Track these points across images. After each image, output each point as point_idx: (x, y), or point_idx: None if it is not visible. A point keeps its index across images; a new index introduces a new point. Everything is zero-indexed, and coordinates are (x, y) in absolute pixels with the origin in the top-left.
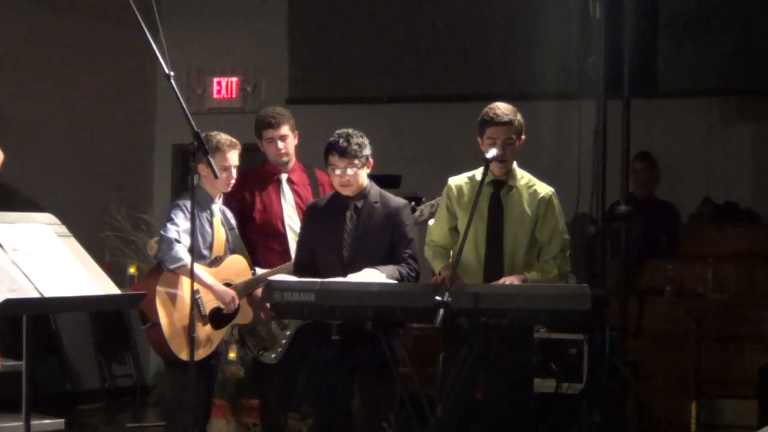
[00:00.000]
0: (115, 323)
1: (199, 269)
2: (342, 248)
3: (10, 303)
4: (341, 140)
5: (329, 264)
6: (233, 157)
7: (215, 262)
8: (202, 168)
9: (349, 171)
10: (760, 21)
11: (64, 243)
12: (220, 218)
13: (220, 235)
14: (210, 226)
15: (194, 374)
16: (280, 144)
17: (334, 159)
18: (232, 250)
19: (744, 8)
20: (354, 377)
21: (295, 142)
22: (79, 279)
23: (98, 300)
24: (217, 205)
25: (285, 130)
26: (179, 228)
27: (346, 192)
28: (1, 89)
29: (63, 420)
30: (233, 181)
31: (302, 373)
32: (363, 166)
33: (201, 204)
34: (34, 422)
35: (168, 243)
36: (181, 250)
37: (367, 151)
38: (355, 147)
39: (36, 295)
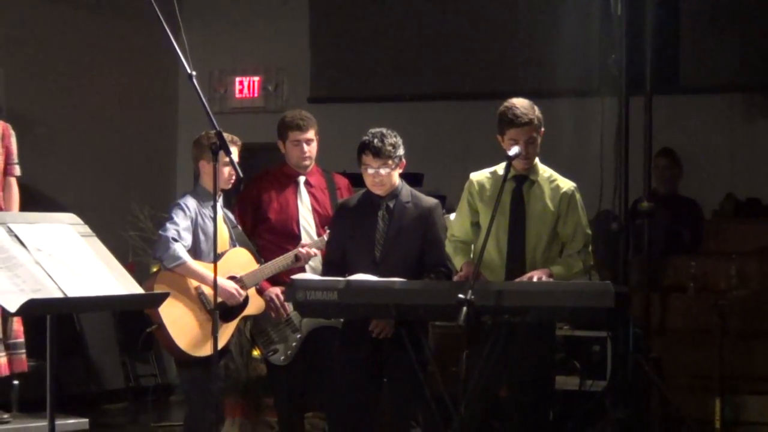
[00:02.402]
0: (138, 323)
1: (198, 265)
2: (374, 248)
3: (34, 303)
4: (375, 140)
5: (361, 263)
6: (233, 155)
7: (216, 258)
8: (203, 165)
9: (383, 171)
10: None
11: (87, 243)
12: (222, 215)
13: (223, 232)
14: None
15: (214, 371)
16: (306, 147)
17: (368, 158)
18: (235, 246)
19: (766, 3)
20: (383, 375)
21: (317, 146)
22: (103, 279)
23: (121, 300)
24: (219, 203)
25: (311, 134)
26: (178, 227)
27: (378, 191)
28: (24, 90)
29: (87, 420)
30: (234, 179)
31: (318, 374)
32: (396, 166)
33: (202, 201)
34: (58, 422)
35: (165, 242)
36: (179, 249)
37: (401, 151)
38: (390, 147)
39: (59, 295)
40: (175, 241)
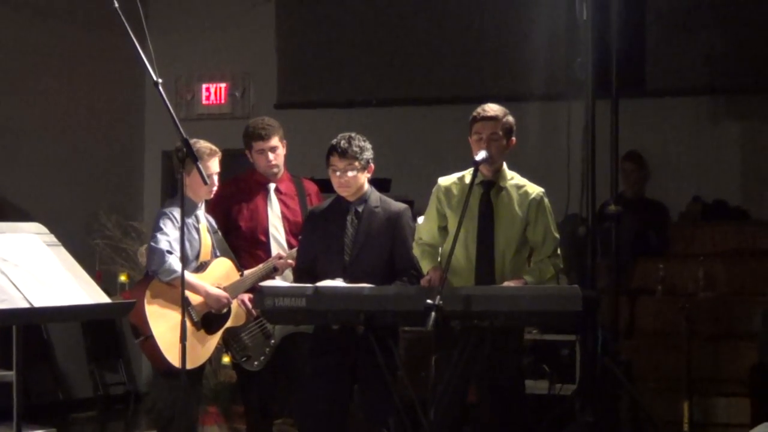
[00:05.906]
0: (106, 331)
1: (193, 277)
2: (344, 253)
3: None
4: (343, 141)
5: (331, 268)
6: (214, 165)
7: (201, 267)
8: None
9: (349, 173)
10: (748, 19)
11: (53, 252)
12: (205, 224)
13: (207, 241)
14: (197, 233)
15: (187, 383)
16: (270, 156)
17: (335, 160)
18: (217, 255)
19: (732, 6)
20: (354, 382)
21: (284, 152)
22: (69, 288)
23: (88, 309)
24: (201, 212)
25: (275, 141)
26: (169, 237)
27: (344, 193)
28: None
29: (55, 429)
30: (215, 188)
31: (288, 381)
32: (363, 169)
33: (186, 211)
34: None
35: (160, 255)
36: (174, 262)
37: (368, 154)
38: (356, 149)
39: (25, 305)
40: (170, 253)
